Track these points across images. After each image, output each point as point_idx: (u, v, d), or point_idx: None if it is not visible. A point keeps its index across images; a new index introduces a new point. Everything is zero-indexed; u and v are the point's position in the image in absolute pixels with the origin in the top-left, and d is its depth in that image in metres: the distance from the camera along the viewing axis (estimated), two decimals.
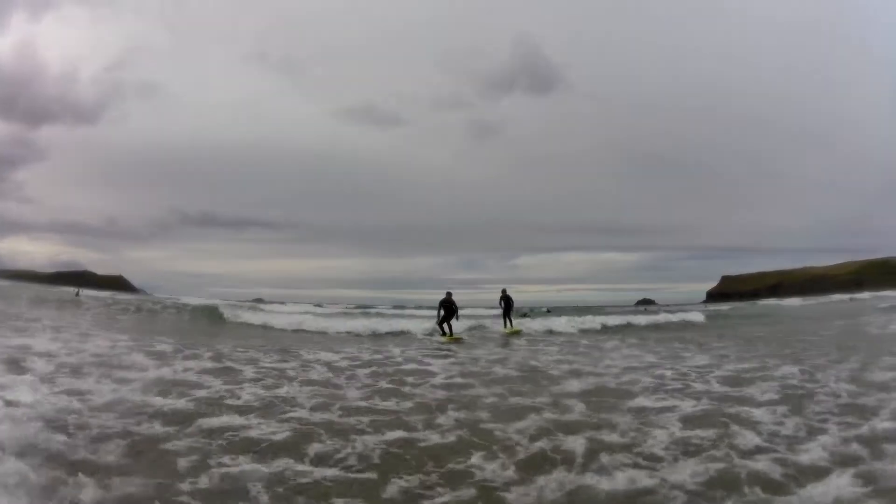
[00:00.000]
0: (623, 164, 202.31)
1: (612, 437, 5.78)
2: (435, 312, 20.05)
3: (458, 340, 18.35)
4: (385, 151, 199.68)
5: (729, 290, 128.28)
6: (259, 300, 72.72)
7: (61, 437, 5.15)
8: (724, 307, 49.26)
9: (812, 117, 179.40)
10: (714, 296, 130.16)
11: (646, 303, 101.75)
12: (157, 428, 5.85)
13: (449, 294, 19.85)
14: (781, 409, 6.75)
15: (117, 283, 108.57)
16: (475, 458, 5.21)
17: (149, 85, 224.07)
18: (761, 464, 4.83)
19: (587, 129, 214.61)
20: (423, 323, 22.40)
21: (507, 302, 21.17)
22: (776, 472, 4.66)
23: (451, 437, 5.88)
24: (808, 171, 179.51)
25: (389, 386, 8.85)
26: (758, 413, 6.57)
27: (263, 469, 4.79)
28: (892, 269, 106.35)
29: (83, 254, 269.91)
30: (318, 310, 42.78)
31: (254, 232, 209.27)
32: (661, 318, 27.51)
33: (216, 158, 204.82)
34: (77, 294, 38.94)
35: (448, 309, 19.60)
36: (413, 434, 6.00)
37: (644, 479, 4.61)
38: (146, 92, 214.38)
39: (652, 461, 5.07)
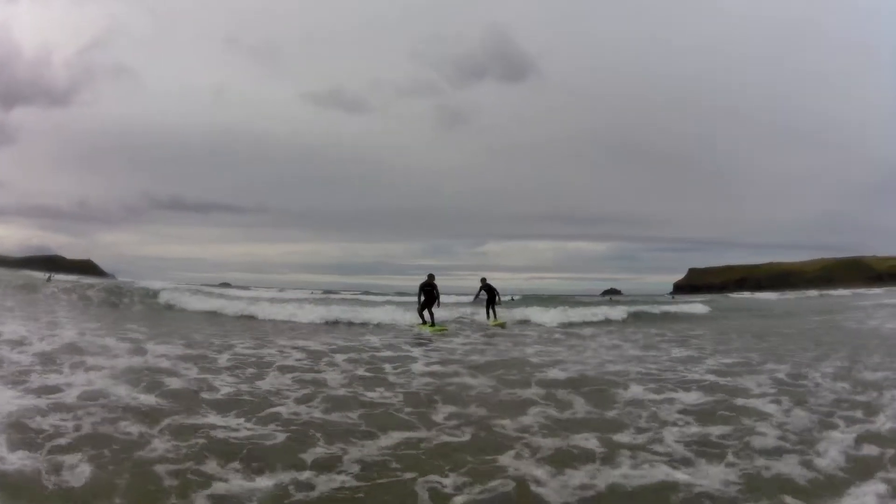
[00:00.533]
0: (593, 155, 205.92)
1: (625, 433, 5.70)
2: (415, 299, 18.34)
3: (441, 331, 16.77)
4: (355, 137, 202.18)
5: (696, 282, 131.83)
6: (226, 284, 71.97)
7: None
8: (697, 299, 50.28)
9: (791, 115, 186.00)
10: (681, 288, 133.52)
11: (612, 293, 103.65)
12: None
13: (430, 276, 17.88)
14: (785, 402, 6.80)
15: (87, 268, 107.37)
16: (498, 455, 5.02)
17: (123, 68, 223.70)
18: (783, 464, 4.81)
19: (558, 119, 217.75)
20: (392, 312, 20.82)
21: (489, 292, 19.84)
22: (800, 474, 4.64)
23: (465, 436, 5.68)
24: (782, 168, 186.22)
25: (371, 377, 8.59)
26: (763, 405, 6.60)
27: (264, 483, 4.37)
28: (863, 268, 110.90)
29: (53, 238, 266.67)
30: (282, 295, 42.13)
31: (222, 216, 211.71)
32: (655, 308, 27.38)
33: (186, 142, 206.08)
34: (48, 279, 38.08)
35: (429, 294, 17.71)
36: (419, 433, 5.76)
37: (674, 475, 4.57)
38: (119, 75, 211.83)
39: (672, 458, 5.00)
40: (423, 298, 17.64)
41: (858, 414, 6.26)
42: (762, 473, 4.65)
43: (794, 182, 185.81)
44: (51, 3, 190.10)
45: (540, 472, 4.62)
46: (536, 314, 21.91)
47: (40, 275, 45.29)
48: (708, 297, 55.88)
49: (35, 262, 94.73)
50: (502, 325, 19.11)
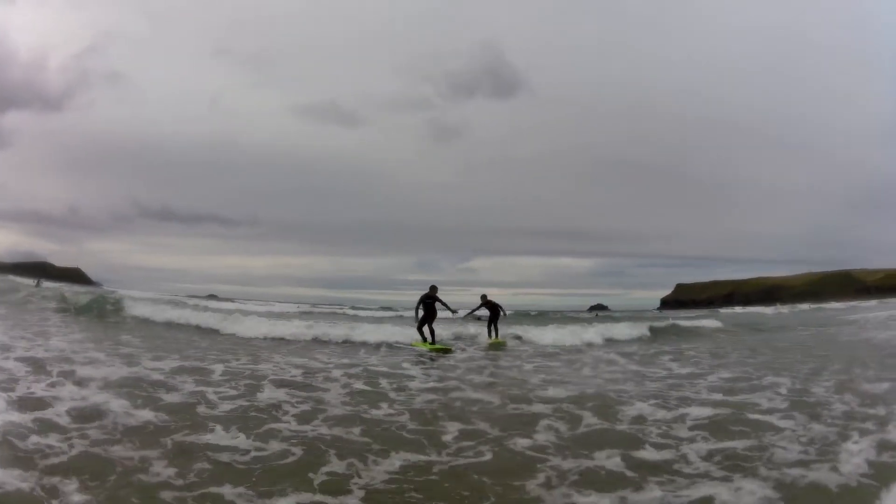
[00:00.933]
0: (581, 170, 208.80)
1: (646, 450, 5.69)
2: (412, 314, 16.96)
3: (445, 351, 15.26)
4: (345, 150, 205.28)
5: (683, 297, 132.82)
6: (212, 296, 71.70)
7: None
8: (676, 314, 50.67)
9: (779, 128, 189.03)
10: (668, 303, 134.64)
11: (599, 308, 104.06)
12: None
13: (433, 288, 16.25)
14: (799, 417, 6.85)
15: (75, 276, 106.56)
16: (525, 481, 4.93)
17: (117, 74, 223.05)
18: (813, 474, 4.86)
19: (547, 134, 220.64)
20: (388, 328, 19.08)
21: (493, 310, 18.54)
22: (832, 483, 4.69)
23: (481, 457, 5.61)
24: (770, 182, 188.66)
25: (371, 391, 8.46)
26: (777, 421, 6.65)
27: None
28: (851, 281, 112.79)
29: (42, 244, 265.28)
30: (260, 308, 41.67)
31: (211, 227, 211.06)
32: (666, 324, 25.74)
33: (177, 151, 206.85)
34: (37, 284, 38.99)
35: (429, 308, 16.16)
36: (428, 455, 5.69)
37: (715, 491, 4.58)
38: (114, 80, 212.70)
39: (704, 474, 5.01)
40: (422, 313, 16.14)
41: (870, 426, 6.29)
42: (797, 483, 4.70)
43: (782, 196, 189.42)
44: (48, 5, 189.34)
45: (582, 500, 4.57)
46: (538, 332, 20.09)
47: (29, 281, 45.54)
48: (696, 311, 56.35)
49: (24, 268, 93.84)
50: (502, 345, 17.81)
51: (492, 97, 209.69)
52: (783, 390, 8.70)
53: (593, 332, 20.13)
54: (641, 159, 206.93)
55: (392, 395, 8.50)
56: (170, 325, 19.88)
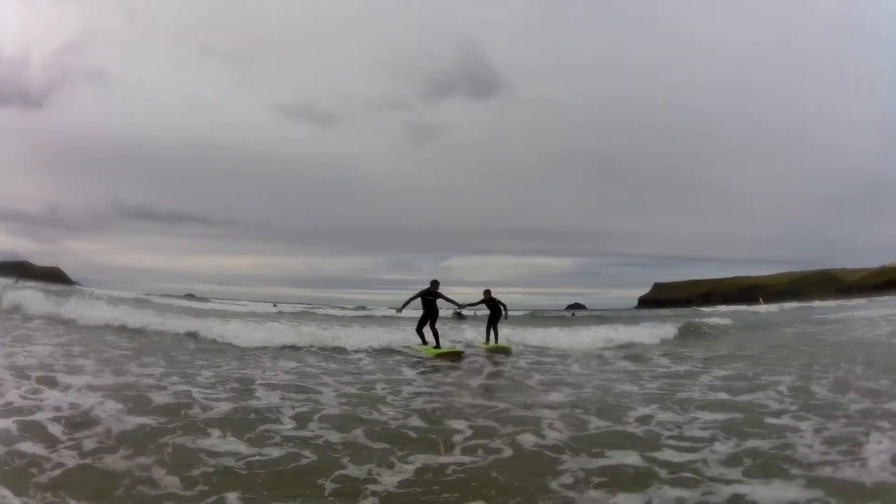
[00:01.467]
0: (559, 170, 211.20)
1: (663, 452, 5.66)
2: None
3: (454, 355, 13.75)
4: (323, 150, 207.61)
5: (661, 296, 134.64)
6: (190, 295, 71.86)
7: None
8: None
9: (756, 130, 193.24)
10: (646, 302, 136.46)
11: (576, 307, 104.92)
12: None
13: (434, 284, 14.64)
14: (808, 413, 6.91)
15: (54, 276, 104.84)
16: (545, 480, 4.87)
17: (99, 71, 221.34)
18: (844, 472, 4.89)
19: (525, 136, 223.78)
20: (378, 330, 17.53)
21: (494, 308, 16.05)
22: (864, 479, 4.72)
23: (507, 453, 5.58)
24: (747, 183, 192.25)
25: (367, 395, 8.28)
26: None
27: None
28: (831, 280, 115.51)
29: (21, 243, 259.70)
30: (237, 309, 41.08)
31: (190, 227, 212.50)
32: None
33: (157, 150, 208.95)
34: (15, 282, 38.05)
35: (430, 306, 14.52)
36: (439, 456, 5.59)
37: (747, 491, 4.55)
38: (95, 78, 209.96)
39: (729, 475, 4.97)
40: (422, 312, 14.62)
41: (885, 423, 6.36)
42: (832, 481, 4.71)
43: (759, 197, 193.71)
44: (30, 2, 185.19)
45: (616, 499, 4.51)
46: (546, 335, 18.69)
47: (7, 280, 43.81)
48: (673, 311, 56.82)
49: (2, 267, 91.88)
50: (506, 351, 15.21)
51: (470, 97, 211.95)
52: (784, 388, 8.74)
53: (607, 334, 18.82)
54: (619, 161, 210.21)
55: (390, 398, 8.36)
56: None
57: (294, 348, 14.12)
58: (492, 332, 16.08)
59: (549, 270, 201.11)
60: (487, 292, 15.99)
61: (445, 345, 14.74)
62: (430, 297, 14.48)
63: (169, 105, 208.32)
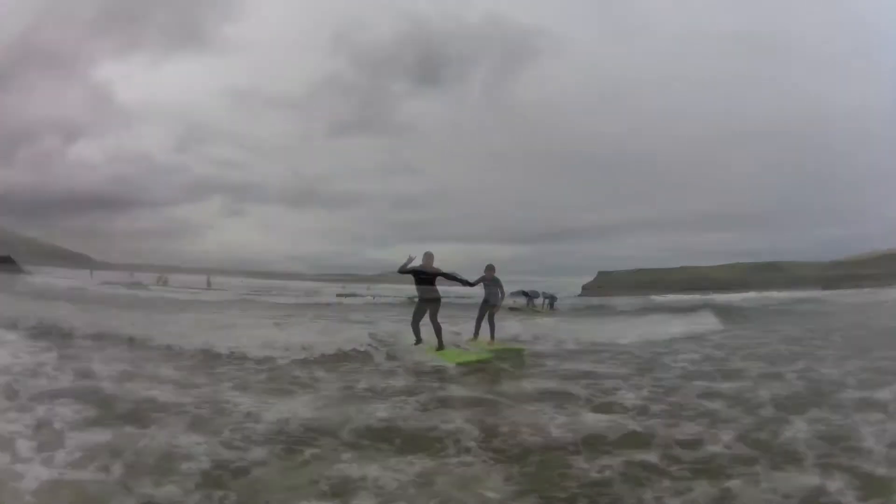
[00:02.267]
0: (505, 157, 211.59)
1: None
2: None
3: (512, 355, 11.21)
4: (276, 137, 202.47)
5: (605, 284, 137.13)
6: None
7: None
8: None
9: (721, 117, 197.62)
10: (590, 289, 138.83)
11: (522, 294, 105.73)
12: None
13: (428, 256, 11.16)
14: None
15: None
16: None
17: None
18: None
19: (476, 123, 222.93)
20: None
21: (491, 292, 12.42)
22: None
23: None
24: (703, 169, 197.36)
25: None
26: None
27: None
28: (781, 271, 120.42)
29: None
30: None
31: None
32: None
33: None
34: None
35: (426, 288, 11.00)
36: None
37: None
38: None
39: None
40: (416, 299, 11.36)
41: None
42: None
43: (711, 185, 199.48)
44: None
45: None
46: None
47: None
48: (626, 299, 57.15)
49: None
50: (516, 353, 11.61)
51: (423, 85, 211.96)
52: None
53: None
54: (567, 148, 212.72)
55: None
56: None
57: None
58: (480, 324, 12.41)
59: (491, 257, 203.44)
60: (490, 268, 12.33)
61: (449, 343, 11.10)
62: (423, 276, 10.93)
63: None
